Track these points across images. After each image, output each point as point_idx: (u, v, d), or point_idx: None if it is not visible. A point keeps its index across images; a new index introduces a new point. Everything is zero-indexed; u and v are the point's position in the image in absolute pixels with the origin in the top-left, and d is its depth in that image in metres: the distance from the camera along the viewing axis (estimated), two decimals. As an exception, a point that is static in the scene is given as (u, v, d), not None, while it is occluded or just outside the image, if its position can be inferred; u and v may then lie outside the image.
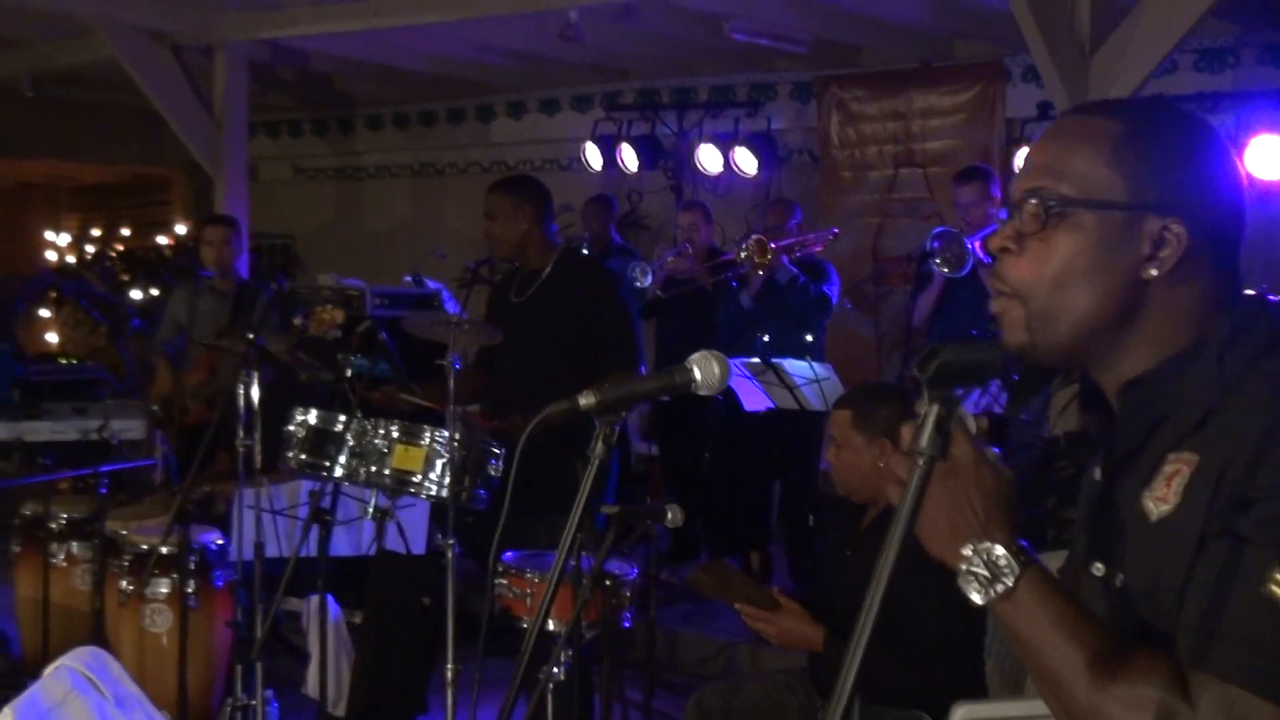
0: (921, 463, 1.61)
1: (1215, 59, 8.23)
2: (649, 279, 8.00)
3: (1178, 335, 1.73)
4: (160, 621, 5.45)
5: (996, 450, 1.73)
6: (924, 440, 1.62)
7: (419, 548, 5.59)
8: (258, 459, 5.07)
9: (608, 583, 4.52)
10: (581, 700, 4.62)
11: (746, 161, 9.53)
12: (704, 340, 5.56)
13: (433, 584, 5.07)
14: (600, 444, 2.39)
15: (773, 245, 7.24)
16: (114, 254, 14.67)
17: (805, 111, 10.10)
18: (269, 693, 5.09)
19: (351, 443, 4.73)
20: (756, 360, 6.73)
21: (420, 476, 4.68)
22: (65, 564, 5.96)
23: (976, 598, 1.67)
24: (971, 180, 6.90)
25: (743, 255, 7.30)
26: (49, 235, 17.00)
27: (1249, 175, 7.24)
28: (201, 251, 7.21)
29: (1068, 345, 1.76)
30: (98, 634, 5.46)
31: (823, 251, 7.75)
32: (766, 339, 7.19)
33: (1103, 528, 1.78)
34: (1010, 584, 1.65)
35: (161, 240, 14.87)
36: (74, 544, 5.98)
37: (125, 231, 16.19)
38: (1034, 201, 1.75)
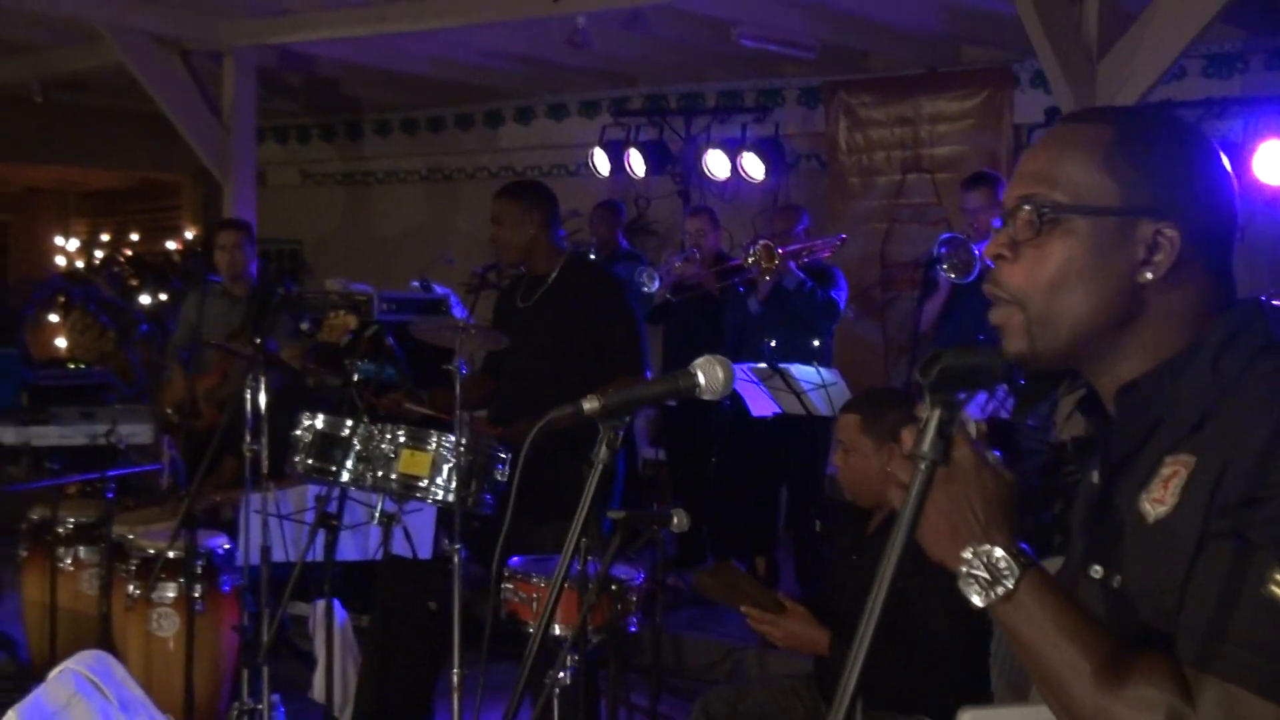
0: (923, 467, 1.62)
1: (1223, 64, 8.23)
2: (656, 284, 7.99)
3: (1173, 339, 1.74)
4: (167, 626, 5.45)
5: (998, 453, 1.73)
6: (926, 445, 1.62)
7: (425, 553, 5.59)
8: (265, 464, 5.07)
9: (614, 587, 4.51)
10: (587, 705, 4.62)
11: (754, 167, 9.52)
12: (710, 345, 5.53)
13: (439, 589, 5.06)
14: (604, 448, 2.39)
15: (780, 251, 7.24)
16: (123, 259, 14.71)
17: (813, 117, 10.11)
18: (275, 697, 5.09)
19: (358, 447, 4.73)
20: (763, 365, 6.72)
21: (427, 481, 4.68)
22: (72, 568, 5.96)
23: (977, 600, 1.67)
24: (979, 186, 6.89)
25: (750, 260, 7.30)
26: (58, 240, 17.04)
27: (1257, 180, 7.24)
28: (215, 256, 7.21)
29: (1066, 350, 1.77)
30: (105, 638, 5.47)
31: (830, 257, 7.75)
32: (773, 344, 7.19)
33: (1100, 530, 1.79)
34: (1010, 586, 1.66)
35: (170, 245, 14.91)
36: (81, 548, 5.98)
37: (134, 237, 16.23)
38: (1028, 209, 1.76)
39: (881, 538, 3.89)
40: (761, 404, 6.89)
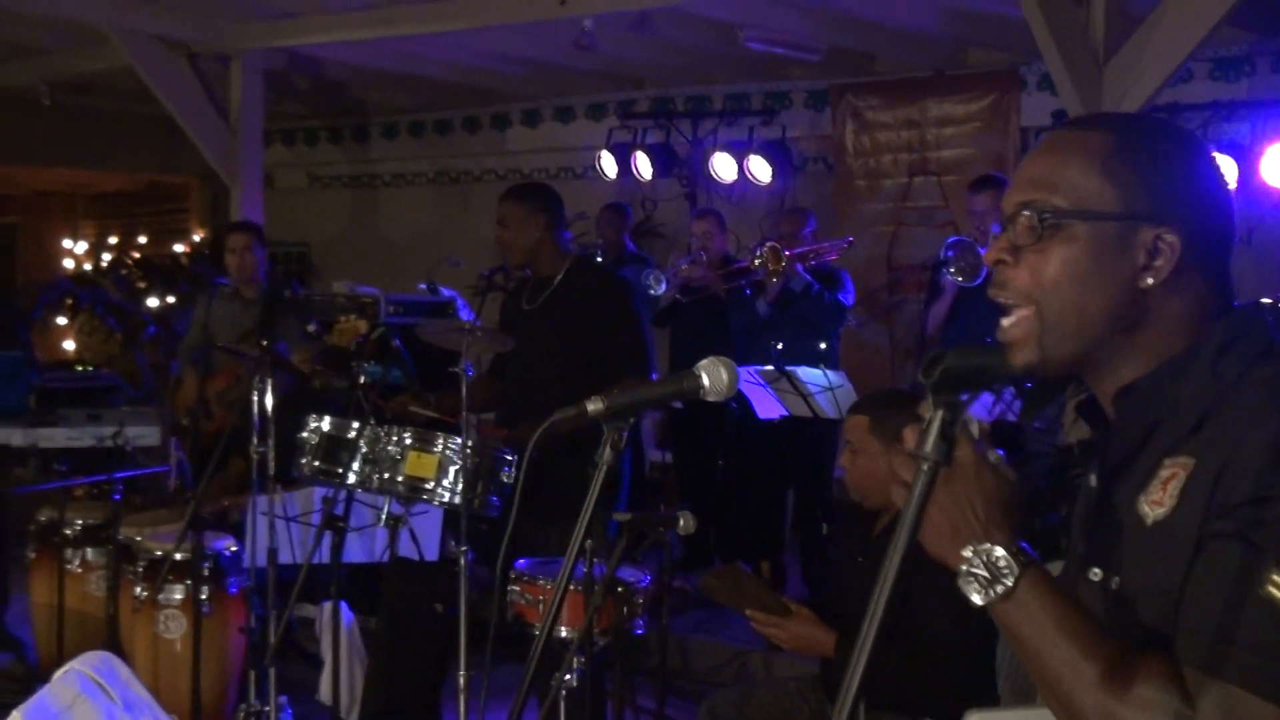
0: (926, 468, 1.62)
1: (1230, 67, 8.22)
2: (663, 286, 7.99)
3: (1173, 343, 1.75)
4: (174, 627, 5.46)
5: (1001, 453, 1.74)
6: (929, 445, 1.63)
7: (432, 554, 5.59)
8: (271, 466, 5.08)
9: (620, 590, 4.51)
10: (594, 707, 4.62)
11: (761, 169, 9.52)
12: (717, 348, 5.53)
13: (446, 591, 5.07)
14: (608, 450, 2.39)
15: (787, 253, 7.25)
16: (130, 262, 14.72)
17: (820, 120, 10.11)
18: (282, 699, 5.10)
19: (365, 449, 4.74)
20: (770, 368, 6.72)
21: (433, 483, 4.68)
22: (80, 570, 5.98)
23: (976, 598, 1.67)
24: (986, 189, 6.89)
25: (757, 263, 7.30)
26: (66, 243, 17.07)
27: (1264, 183, 7.23)
28: (225, 259, 7.21)
29: (1073, 358, 1.77)
30: (112, 640, 5.48)
31: (837, 260, 7.75)
32: (780, 347, 7.19)
33: (1100, 533, 1.79)
34: (1010, 585, 1.66)
35: (178, 248, 14.92)
36: (89, 550, 6.00)
37: (142, 239, 16.25)
38: (1028, 214, 1.77)
39: (888, 539, 3.88)
40: (768, 407, 6.89)
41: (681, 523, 3.89)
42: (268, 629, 5.10)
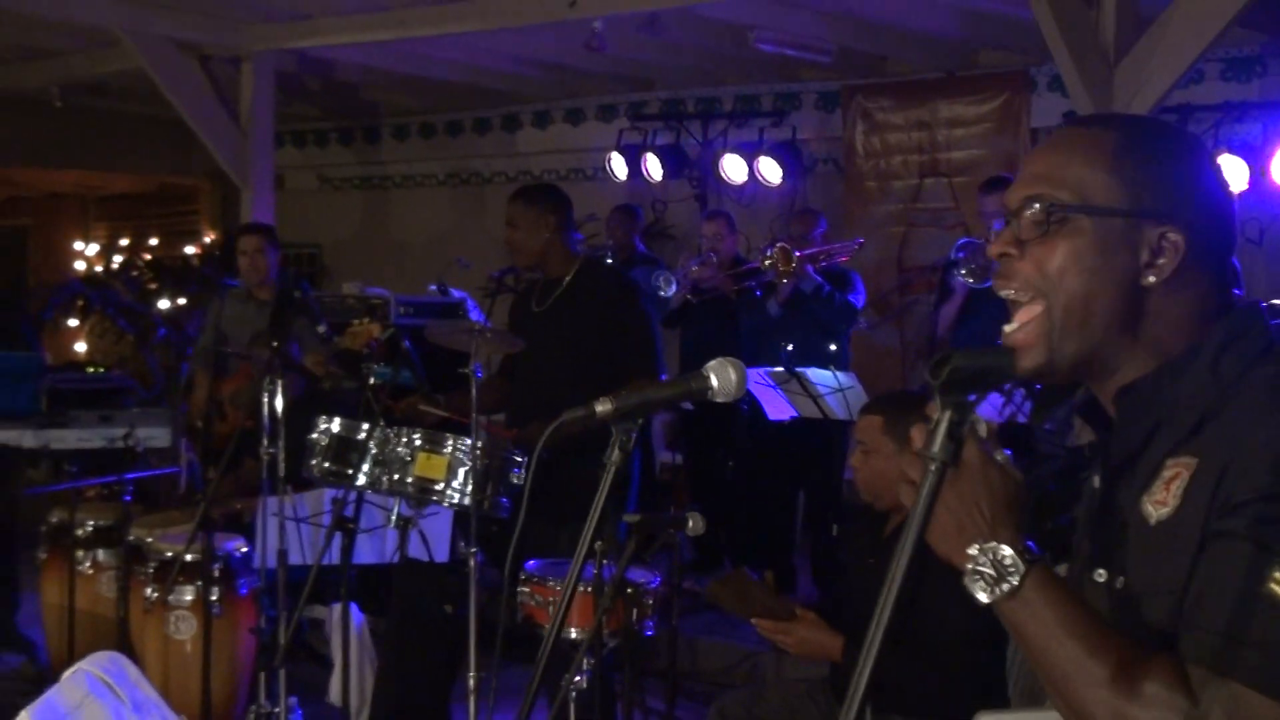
0: (933, 468, 1.62)
1: (1241, 68, 8.20)
2: (673, 288, 7.99)
3: (1174, 343, 1.75)
4: (184, 628, 5.47)
5: (1008, 452, 1.73)
6: (936, 446, 1.62)
7: (442, 556, 5.60)
8: (282, 467, 5.08)
9: (630, 591, 4.51)
10: (603, 709, 4.62)
11: (771, 171, 9.52)
12: (728, 349, 5.53)
13: (456, 592, 5.07)
14: (617, 451, 2.39)
15: (797, 254, 7.25)
16: (141, 263, 14.74)
17: (830, 121, 10.10)
18: (292, 700, 5.10)
19: (374, 451, 4.74)
20: (780, 369, 6.72)
21: (443, 484, 4.69)
22: (91, 571, 5.99)
23: (982, 597, 1.67)
24: (996, 190, 6.86)
25: (767, 264, 7.31)
26: (78, 245, 17.09)
27: (1275, 184, 7.22)
28: (237, 261, 7.22)
29: (1078, 355, 1.76)
30: (123, 641, 5.50)
31: (848, 261, 7.75)
32: (791, 348, 7.19)
33: (1103, 534, 1.79)
34: (1015, 583, 1.66)
35: (189, 250, 14.94)
36: (100, 551, 6.01)
37: (153, 241, 16.27)
38: (1035, 207, 1.77)
39: (898, 541, 3.88)
40: (778, 408, 6.88)
41: (691, 524, 3.89)
42: (278, 630, 5.11)
